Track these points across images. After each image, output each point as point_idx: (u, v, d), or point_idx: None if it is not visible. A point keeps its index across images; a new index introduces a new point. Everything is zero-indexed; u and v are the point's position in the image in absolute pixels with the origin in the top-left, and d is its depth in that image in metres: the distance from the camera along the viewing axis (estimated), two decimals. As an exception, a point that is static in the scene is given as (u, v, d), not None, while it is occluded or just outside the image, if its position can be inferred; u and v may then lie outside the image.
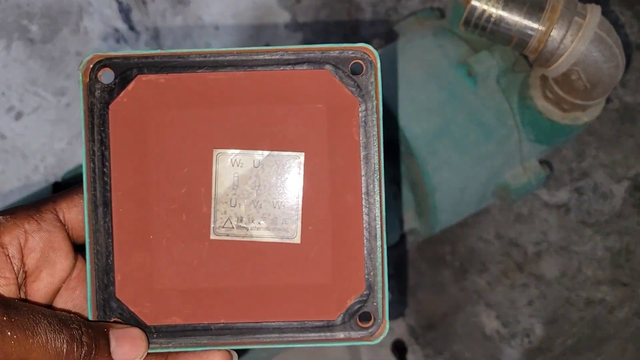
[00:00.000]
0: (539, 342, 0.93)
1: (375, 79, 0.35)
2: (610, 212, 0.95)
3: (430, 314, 0.95)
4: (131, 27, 0.87)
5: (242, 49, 0.35)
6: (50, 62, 0.82)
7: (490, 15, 0.66)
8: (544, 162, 0.87)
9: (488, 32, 0.68)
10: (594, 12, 0.65)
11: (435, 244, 0.97)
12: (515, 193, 0.79)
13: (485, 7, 0.66)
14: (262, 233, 0.36)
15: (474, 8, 0.66)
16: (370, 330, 0.35)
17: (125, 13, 0.86)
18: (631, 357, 0.90)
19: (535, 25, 0.65)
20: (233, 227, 0.36)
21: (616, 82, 0.69)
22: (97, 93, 0.35)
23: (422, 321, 0.95)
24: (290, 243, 0.36)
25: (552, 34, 0.65)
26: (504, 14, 0.66)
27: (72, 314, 0.33)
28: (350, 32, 1.01)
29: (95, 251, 0.35)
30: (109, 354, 0.33)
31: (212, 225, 0.35)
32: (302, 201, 0.36)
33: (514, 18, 0.66)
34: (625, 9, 0.97)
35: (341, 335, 0.35)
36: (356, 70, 0.35)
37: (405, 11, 1.03)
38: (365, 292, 0.35)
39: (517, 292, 0.95)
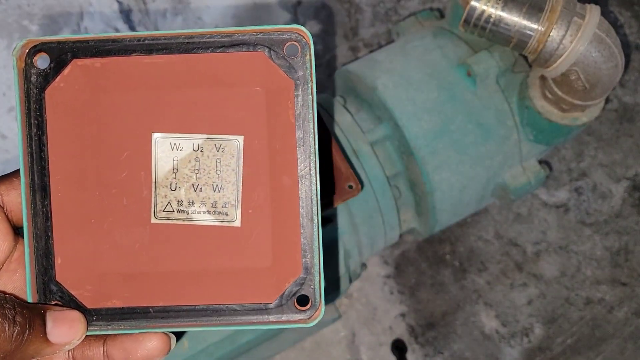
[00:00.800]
0: (539, 341, 0.93)
1: (310, 60, 0.35)
2: (609, 211, 0.95)
3: (429, 313, 0.95)
4: (132, 28, 0.87)
5: (175, 31, 0.35)
6: (50, 62, 0.82)
7: (489, 16, 0.67)
8: (543, 162, 0.87)
9: (487, 33, 0.68)
10: (593, 13, 0.65)
11: (434, 244, 0.98)
12: (515, 193, 0.79)
13: (484, 7, 0.66)
14: (203, 217, 0.36)
15: (474, 8, 0.67)
16: (307, 313, 0.36)
17: (125, 13, 0.86)
18: (630, 356, 0.91)
19: (534, 26, 0.65)
20: (173, 211, 0.36)
21: (615, 82, 0.69)
22: (33, 78, 0.35)
23: (421, 320, 0.95)
24: (230, 227, 0.36)
25: (551, 34, 0.65)
26: (504, 14, 0.66)
27: (7, 295, 0.33)
28: (350, 32, 1.01)
29: (35, 235, 0.35)
30: (45, 334, 0.33)
31: (152, 209, 0.36)
32: (242, 184, 0.36)
33: (514, 18, 0.66)
34: (624, 10, 0.97)
35: (278, 317, 0.36)
36: (291, 52, 0.35)
37: (404, 12, 1.03)
38: (302, 276, 0.36)
39: (517, 291, 0.95)
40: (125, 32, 0.35)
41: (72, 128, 0.35)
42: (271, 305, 0.36)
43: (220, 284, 0.36)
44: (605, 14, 0.69)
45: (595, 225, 0.95)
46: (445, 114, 0.75)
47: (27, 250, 0.35)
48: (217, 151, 0.36)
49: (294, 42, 0.35)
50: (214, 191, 0.36)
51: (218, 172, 0.36)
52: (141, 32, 0.35)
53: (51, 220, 0.35)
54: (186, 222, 0.36)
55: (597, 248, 0.95)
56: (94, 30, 0.84)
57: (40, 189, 0.35)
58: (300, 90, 0.35)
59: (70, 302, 0.36)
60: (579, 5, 0.66)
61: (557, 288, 0.94)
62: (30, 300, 0.35)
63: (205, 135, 0.36)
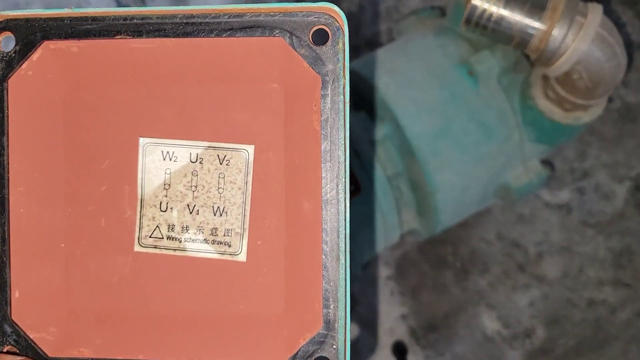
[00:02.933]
0: (541, 343, 0.93)
1: (343, 50, 0.28)
2: (612, 212, 0.95)
3: (431, 315, 0.95)
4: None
5: (171, 9, 0.27)
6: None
7: (491, 15, 0.66)
8: (546, 162, 0.87)
9: (489, 32, 0.68)
10: (596, 11, 0.65)
11: (436, 245, 0.97)
12: (517, 193, 0.79)
13: (486, 6, 0.66)
14: (199, 246, 0.29)
15: (475, 7, 0.66)
16: None
17: (124, 13, 0.86)
18: (633, 358, 0.90)
19: (536, 25, 0.65)
20: (163, 238, 0.29)
21: (618, 81, 0.69)
22: None
23: (423, 322, 0.95)
24: (233, 261, 0.28)
25: (553, 33, 0.64)
26: (505, 13, 0.66)
27: None
28: (351, 30, 1.01)
29: None
30: None
31: (137, 234, 0.29)
32: (250, 208, 0.28)
33: (515, 17, 0.66)
34: (627, 8, 0.97)
35: None
36: (319, 40, 0.28)
37: (406, 10, 1.02)
38: (322, 332, 0.28)
39: (519, 292, 0.94)
40: (108, 8, 0.27)
41: (39, 128, 0.28)
42: None
43: (217, 335, 0.28)
44: (607, 12, 0.68)
45: (598, 225, 0.95)
46: (446, 113, 0.74)
47: None
48: (221, 164, 0.28)
49: (323, 27, 0.27)
50: (215, 215, 0.29)
51: (220, 190, 0.29)
52: (128, 9, 0.28)
53: (8, 243, 0.28)
54: (178, 253, 0.29)
55: (600, 249, 0.94)
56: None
57: None
58: (329, 88, 0.27)
59: (28, 349, 0.28)
60: (581, 3, 0.66)
61: (560, 289, 0.94)
62: None
63: (207, 143, 0.28)
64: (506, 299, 0.94)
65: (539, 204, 0.96)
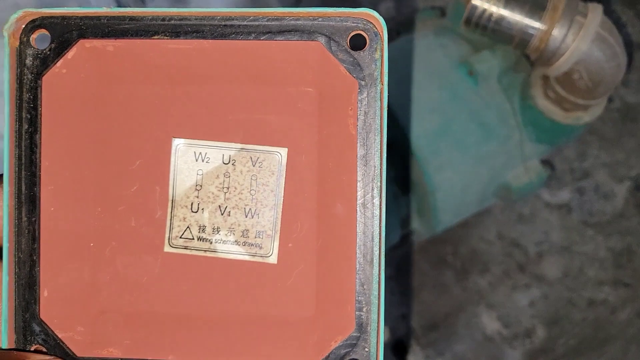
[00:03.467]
0: (541, 343, 0.93)
1: (382, 55, 0.28)
2: (612, 212, 0.95)
3: (431, 314, 0.95)
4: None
5: (210, 10, 0.28)
6: (49, 62, 0.82)
7: (491, 15, 0.66)
8: (546, 162, 0.87)
9: (489, 32, 0.68)
10: (596, 11, 0.65)
11: (436, 245, 0.97)
12: (517, 193, 0.79)
13: (486, 6, 0.66)
14: (230, 248, 0.29)
15: (475, 7, 0.66)
16: None
17: (125, 13, 0.86)
18: (633, 357, 0.90)
19: (536, 24, 0.65)
20: (193, 239, 0.29)
21: (618, 81, 0.69)
22: (28, 60, 0.28)
23: (423, 322, 0.95)
24: (264, 263, 0.29)
25: (553, 33, 0.64)
26: (505, 13, 0.66)
27: None
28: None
29: (17, 259, 0.28)
30: None
31: (167, 235, 0.29)
32: (282, 210, 0.29)
33: (515, 17, 0.66)
34: (627, 8, 0.97)
35: None
36: (357, 44, 0.28)
37: (406, 10, 1.02)
38: (354, 334, 0.28)
39: (519, 292, 0.94)
40: (147, 8, 0.28)
41: (72, 126, 0.28)
42: None
43: (247, 337, 0.28)
44: (607, 12, 0.68)
45: (598, 225, 0.95)
46: (447, 113, 0.74)
47: (5, 278, 0.28)
48: (253, 166, 0.28)
49: (361, 32, 0.28)
50: (246, 217, 0.29)
51: (252, 192, 0.29)
52: (167, 10, 0.28)
53: (39, 242, 0.28)
54: (208, 254, 0.29)
55: (599, 249, 0.94)
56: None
57: (28, 202, 0.28)
58: (365, 93, 0.28)
59: (56, 349, 0.28)
60: (581, 4, 0.66)
61: (560, 289, 0.94)
62: (5, 343, 0.28)
63: (240, 145, 0.28)
64: (506, 299, 0.94)
65: (539, 204, 0.96)
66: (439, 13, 0.87)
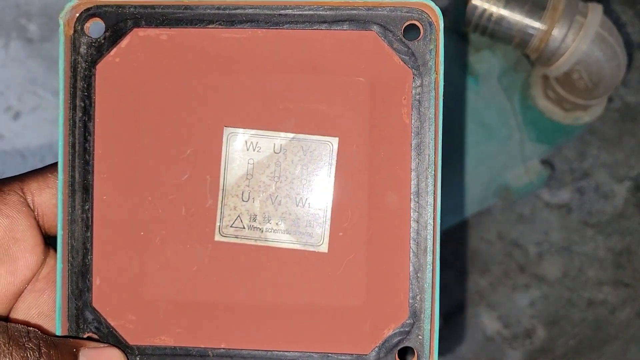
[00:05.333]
0: (541, 343, 0.93)
1: (437, 45, 0.28)
2: (612, 212, 0.95)
3: (431, 314, 0.95)
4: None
5: (267, 0, 0.28)
6: (49, 62, 0.82)
7: (491, 15, 0.66)
8: (546, 162, 0.87)
9: (489, 32, 0.68)
10: (596, 11, 0.65)
11: (436, 245, 0.97)
12: (517, 193, 0.79)
13: (486, 6, 0.66)
14: (280, 237, 0.29)
15: (475, 7, 0.66)
16: None
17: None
18: (633, 357, 0.90)
19: (536, 25, 0.65)
20: (244, 227, 0.29)
21: (618, 81, 0.68)
22: (83, 49, 0.28)
23: (423, 322, 0.95)
24: (314, 251, 0.29)
25: (553, 33, 0.64)
26: (505, 13, 0.66)
27: (30, 328, 0.26)
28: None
29: (70, 247, 0.28)
30: None
31: (217, 224, 0.29)
32: (333, 199, 0.29)
33: (515, 17, 0.66)
34: (627, 8, 0.97)
35: None
36: (411, 35, 0.28)
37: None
38: (408, 321, 0.28)
39: (519, 293, 0.94)
40: None
41: (125, 114, 0.28)
42: (367, 358, 0.28)
43: (298, 326, 0.28)
44: (607, 12, 0.68)
45: (598, 225, 0.95)
46: (446, 113, 0.74)
47: (59, 266, 0.28)
48: (304, 155, 0.28)
49: (415, 22, 0.28)
50: (297, 205, 0.29)
51: (303, 181, 0.28)
52: None
53: (92, 230, 0.28)
54: (259, 243, 0.29)
55: (599, 249, 0.94)
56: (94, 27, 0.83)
57: (82, 190, 0.28)
58: (419, 82, 0.28)
59: (109, 336, 0.28)
60: (581, 3, 0.66)
61: (560, 289, 0.93)
62: (59, 331, 0.28)
63: (291, 135, 0.28)
64: (506, 299, 0.94)
65: (539, 204, 0.96)
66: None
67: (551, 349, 0.92)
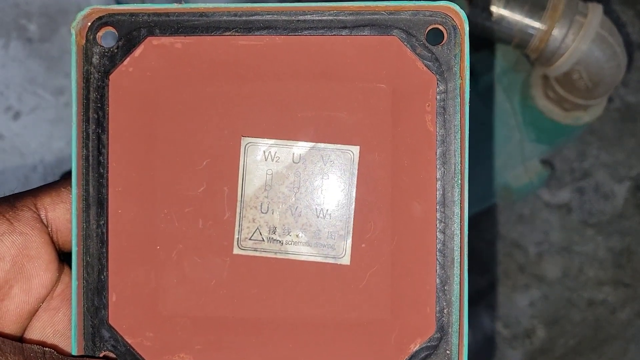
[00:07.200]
0: (541, 343, 0.93)
1: (462, 50, 0.27)
2: (612, 212, 0.95)
3: (431, 314, 0.95)
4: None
5: (283, 5, 0.27)
6: (48, 62, 0.82)
7: (491, 14, 0.66)
8: (546, 162, 0.87)
9: (489, 31, 0.67)
10: (596, 11, 0.65)
11: (436, 245, 0.97)
12: (517, 193, 0.79)
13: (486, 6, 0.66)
14: (301, 249, 0.28)
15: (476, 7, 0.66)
16: None
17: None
18: (633, 357, 0.90)
19: (536, 24, 0.65)
20: (263, 240, 0.28)
21: (618, 81, 0.68)
22: (95, 59, 0.27)
23: (422, 322, 0.95)
24: (336, 264, 0.27)
25: (553, 33, 0.64)
26: (505, 12, 0.66)
27: (46, 349, 0.26)
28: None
29: (85, 263, 0.27)
30: None
31: (236, 236, 0.28)
32: (354, 210, 0.27)
33: (515, 17, 0.66)
34: (627, 9, 0.97)
35: None
36: (435, 39, 0.27)
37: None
38: (435, 336, 0.27)
39: (519, 293, 0.94)
40: (217, 4, 0.27)
41: (140, 126, 0.27)
42: None
43: (321, 341, 0.27)
44: (607, 12, 0.68)
45: (598, 225, 0.95)
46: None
47: (74, 283, 0.27)
48: (324, 165, 0.27)
49: (439, 26, 0.27)
50: (317, 217, 0.28)
51: (324, 192, 0.28)
52: (238, 5, 0.27)
53: (107, 245, 0.27)
54: (279, 256, 0.28)
55: (599, 249, 0.94)
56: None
57: (96, 204, 0.27)
58: (444, 88, 0.27)
59: (127, 355, 0.27)
60: (581, 3, 0.66)
61: (560, 289, 0.93)
62: (75, 350, 0.27)
63: (310, 144, 0.27)
64: (506, 299, 0.94)
65: (539, 204, 0.96)
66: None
67: (551, 349, 0.92)
